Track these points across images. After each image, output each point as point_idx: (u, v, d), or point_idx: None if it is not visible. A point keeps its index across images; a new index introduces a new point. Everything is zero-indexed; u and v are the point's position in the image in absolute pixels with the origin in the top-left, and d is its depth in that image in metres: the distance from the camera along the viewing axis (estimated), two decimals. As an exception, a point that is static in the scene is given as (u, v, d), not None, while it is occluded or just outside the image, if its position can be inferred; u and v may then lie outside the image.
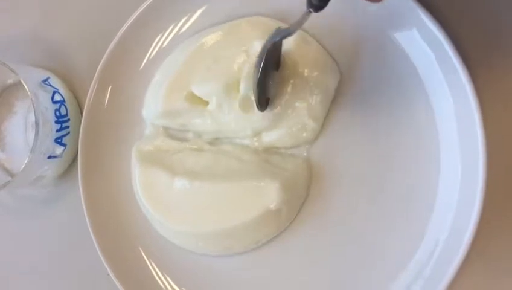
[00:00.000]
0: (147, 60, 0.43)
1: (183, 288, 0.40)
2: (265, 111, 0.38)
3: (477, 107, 0.34)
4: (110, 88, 0.43)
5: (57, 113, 0.43)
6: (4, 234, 0.48)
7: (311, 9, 0.33)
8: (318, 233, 0.38)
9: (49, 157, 0.42)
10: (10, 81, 0.47)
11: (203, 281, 0.40)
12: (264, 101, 0.38)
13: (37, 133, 0.40)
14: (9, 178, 0.46)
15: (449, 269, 0.34)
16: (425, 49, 0.36)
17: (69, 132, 0.44)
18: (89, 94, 0.42)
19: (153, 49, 0.43)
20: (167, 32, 0.43)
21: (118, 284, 0.39)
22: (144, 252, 0.41)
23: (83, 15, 0.47)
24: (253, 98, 0.38)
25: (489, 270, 0.36)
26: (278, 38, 0.36)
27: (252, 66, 0.38)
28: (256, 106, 0.37)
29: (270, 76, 0.37)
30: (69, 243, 0.45)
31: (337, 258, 0.37)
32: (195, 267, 0.40)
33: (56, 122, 0.42)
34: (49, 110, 0.42)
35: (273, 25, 0.39)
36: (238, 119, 0.39)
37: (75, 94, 0.46)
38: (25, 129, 0.47)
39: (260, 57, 0.36)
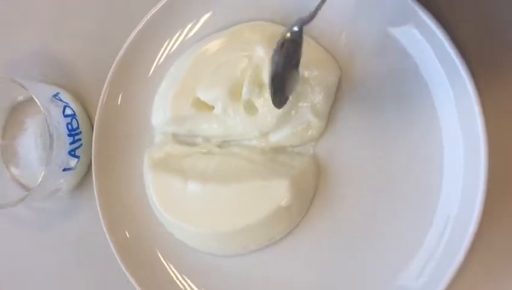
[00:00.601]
0: (155, 67, 0.44)
1: (203, 289, 0.41)
2: (268, 112, 0.39)
3: (478, 102, 0.35)
4: (120, 97, 0.44)
5: (69, 126, 0.44)
6: (21, 246, 0.49)
7: None
8: (328, 226, 0.39)
9: (64, 169, 0.44)
10: (21, 98, 0.49)
11: (221, 280, 0.41)
12: (283, 99, 0.38)
13: (51, 147, 0.41)
14: (26, 193, 0.47)
15: (453, 260, 0.35)
16: (425, 46, 0.37)
17: (81, 144, 0.45)
18: (99, 105, 0.43)
19: (161, 56, 0.44)
20: (174, 39, 0.44)
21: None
22: (162, 256, 0.42)
23: (89, 29, 0.48)
24: (255, 102, 0.39)
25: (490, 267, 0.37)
26: (297, 27, 0.34)
27: (254, 70, 0.39)
28: (272, 103, 0.37)
29: (291, 73, 0.37)
30: (87, 252, 0.46)
31: (346, 250, 0.39)
32: (213, 267, 0.41)
33: (69, 135, 0.44)
34: (61, 124, 0.43)
35: (275, 29, 0.41)
36: (244, 122, 0.40)
37: (84, 107, 0.48)
38: (37, 144, 0.48)
39: (276, 50, 0.35)
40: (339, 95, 0.40)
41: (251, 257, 0.41)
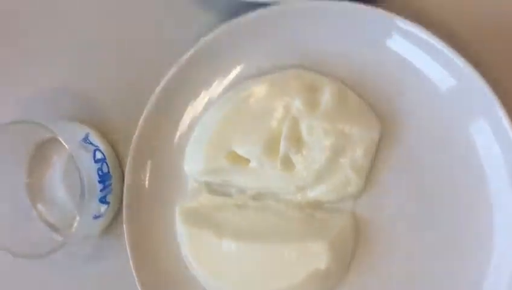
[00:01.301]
0: (188, 115, 0.43)
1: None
2: (306, 168, 0.39)
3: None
4: (149, 162, 0.43)
5: (100, 172, 0.43)
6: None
7: None
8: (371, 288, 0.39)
9: (95, 217, 0.43)
10: (48, 135, 0.48)
11: None
12: None
13: (83, 197, 0.40)
14: (52, 233, 0.47)
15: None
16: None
17: (111, 190, 0.44)
18: (130, 152, 0.43)
19: (195, 102, 0.43)
20: (210, 86, 0.43)
21: None
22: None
23: (118, 67, 0.47)
24: (293, 158, 0.39)
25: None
26: None
27: (292, 123, 0.38)
28: None
29: None
30: None
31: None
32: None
33: (99, 181, 0.43)
34: (92, 170, 0.43)
35: (314, 78, 0.39)
36: (280, 177, 0.39)
37: (113, 147, 0.47)
38: (63, 182, 0.47)
39: None
40: (379, 150, 0.39)
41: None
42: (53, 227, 0.47)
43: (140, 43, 0.46)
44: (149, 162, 0.43)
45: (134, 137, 0.42)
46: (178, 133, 0.43)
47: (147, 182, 0.43)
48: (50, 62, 0.49)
